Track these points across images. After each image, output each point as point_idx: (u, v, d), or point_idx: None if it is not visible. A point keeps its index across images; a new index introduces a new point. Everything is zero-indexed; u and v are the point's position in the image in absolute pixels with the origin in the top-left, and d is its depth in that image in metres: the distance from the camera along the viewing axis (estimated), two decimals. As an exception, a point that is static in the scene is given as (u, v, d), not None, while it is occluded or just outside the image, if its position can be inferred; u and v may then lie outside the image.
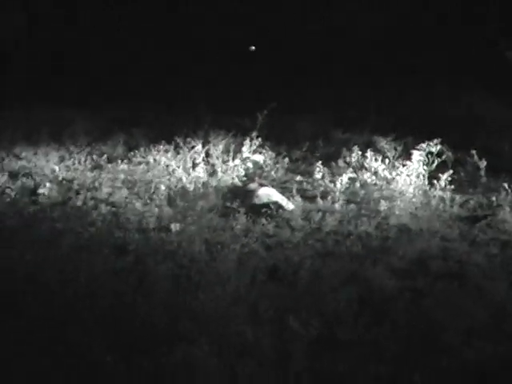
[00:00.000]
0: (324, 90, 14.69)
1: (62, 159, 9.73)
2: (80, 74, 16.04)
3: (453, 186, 8.32)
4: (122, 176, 9.15)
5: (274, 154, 9.83)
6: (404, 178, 8.36)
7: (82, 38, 17.36)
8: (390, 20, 16.61)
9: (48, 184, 8.73)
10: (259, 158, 9.39)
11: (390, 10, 16.18)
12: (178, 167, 8.92)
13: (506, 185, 8.41)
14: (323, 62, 15.96)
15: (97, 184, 8.87)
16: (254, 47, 18.25)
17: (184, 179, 8.71)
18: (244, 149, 9.24)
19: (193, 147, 9.07)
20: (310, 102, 13.59)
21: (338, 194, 8.30)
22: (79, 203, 8.20)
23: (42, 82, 13.99)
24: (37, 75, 14.96)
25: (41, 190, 8.59)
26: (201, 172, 8.85)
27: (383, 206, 7.94)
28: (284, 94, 13.10)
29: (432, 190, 8.28)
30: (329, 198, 8.27)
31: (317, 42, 16.29)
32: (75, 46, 17.16)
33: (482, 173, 9.26)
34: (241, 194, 8.35)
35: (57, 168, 9.41)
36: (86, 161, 9.60)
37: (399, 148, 9.61)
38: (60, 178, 9.13)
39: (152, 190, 8.56)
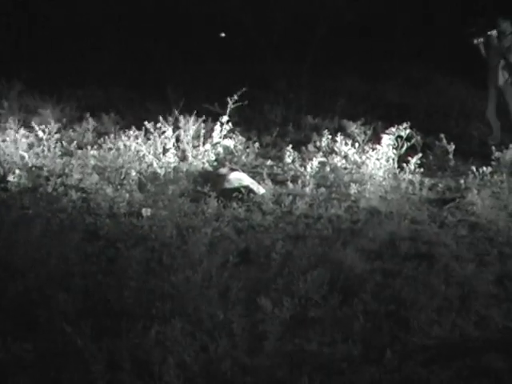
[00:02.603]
0: (294, 76, 14.76)
1: (31, 146, 9.65)
2: (50, 59, 15.94)
3: (422, 170, 8.41)
4: (92, 162, 9.11)
5: (244, 139, 9.87)
6: (374, 162, 8.44)
7: (57, 23, 17.24)
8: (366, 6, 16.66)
9: (17, 171, 8.67)
10: (230, 143, 9.40)
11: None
12: (149, 153, 8.90)
13: (473, 168, 8.53)
14: (296, 49, 15.97)
15: (67, 170, 8.84)
16: (223, 34, 18.25)
17: (155, 164, 8.71)
18: (214, 134, 9.24)
19: (163, 133, 9.04)
20: (282, 87, 13.64)
21: (308, 177, 8.35)
22: (49, 189, 8.16)
23: (11, 68, 13.85)
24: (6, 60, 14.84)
25: (10, 177, 8.53)
26: (171, 157, 8.85)
27: (353, 189, 8.02)
28: (254, 80, 13.12)
29: (401, 173, 8.37)
30: (299, 181, 8.32)
31: (294, 29, 16.26)
32: (46, 30, 17.03)
33: (451, 156, 9.40)
34: (212, 179, 8.36)
35: (26, 155, 9.34)
36: (55, 147, 9.54)
37: (369, 132, 9.69)
38: (29, 165, 9.07)
39: (122, 176, 8.54)
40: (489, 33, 10.38)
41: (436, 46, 16.48)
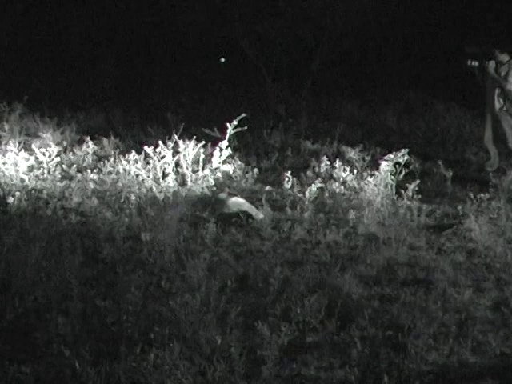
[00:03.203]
0: (294, 101, 14.85)
1: (31, 169, 9.70)
2: (51, 83, 16.01)
3: (420, 196, 8.44)
4: (91, 186, 9.15)
5: (243, 165, 9.93)
6: (372, 188, 8.46)
7: (58, 47, 17.34)
8: (367, 31, 16.72)
9: (17, 193, 8.70)
10: (229, 168, 9.42)
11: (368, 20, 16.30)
12: (148, 177, 8.93)
13: (471, 194, 8.55)
14: (295, 73, 16.06)
15: (66, 194, 8.85)
16: (223, 58, 18.35)
17: (154, 189, 8.73)
18: (214, 159, 9.25)
19: (163, 157, 9.07)
20: (280, 112, 13.71)
21: (306, 203, 8.37)
22: (49, 212, 8.17)
23: (12, 91, 13.94)
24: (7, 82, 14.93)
25: (10, 200, 8.55)
26: (171, 182, 8.87)
27: (351, 215, 8.04)
28: (254, 104, 13.22)
29: (399, 199, 8.40)
30: (298, 207, 8.33)
31: (294, 53, 16.34)
32: (47, 54, 17.12)
33: (449, 183, 9.44)
34: (211, 204, 8.39)
35: (26, 177, 9.38)
36: (55, 171, 9.59)
37: (367, 158, 9.78)
38: (29, 188, 9.10)
39: (122, 200, 8.55)
40: (486, 63, 10.47)
41: (434, 72, 16.59)
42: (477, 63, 10.50)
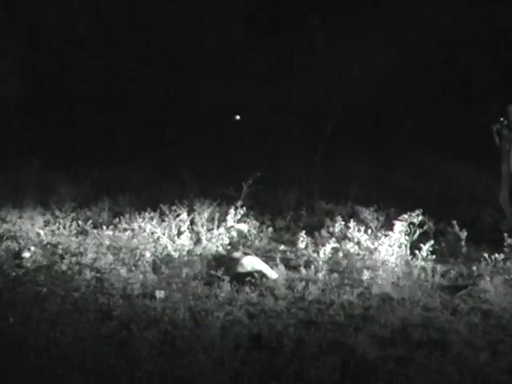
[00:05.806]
0: (308, 160, 14.95)
1: (47, 223, 9.78)
2: (69, 139, 16.22)
3: (434, 256, 8.40)
4: (107, 242, 9.20)
5: (258, 223, 9.97)
6: (386, 248, 8.45)
7: (71, 100, 17.58)
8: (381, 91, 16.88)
9: (33, 248, 8.77)
10: (243, 226, 9.45)
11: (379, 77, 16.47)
12: (163, 235, 8.96)
13: (486, 255, 8.51)
14: (310, 133, 16.21)
15: (82, 249, 8.91)
16: (238, 117, 18.54)
17: (169, 247, 8.76)
18: (229, 217, 9.27)
19: (178, 215, 9.11)
20: (295, 172, 13.80)
21: (321, 263, 8.34)
22: (64, 268, 8.22)
23: (30, 145, 14.14)
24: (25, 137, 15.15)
25: (25, 254, 8.62)
26: (186, 240, 8.88)
27: (366, 275, 8.01)
28: (269, 163, 13.31)
29: (414, 259, 8.36)
30: (312, 267, 8.31)
31: (308, 112, 16.52)
32: (64, 108, 17.35)
33: (463, 243, 9.42)
34: (225, 263, 8.40)
35: (42, 232, 9.45)
36: (71, 226, 9.66)
37: (381, 218, 9.78)
38: (45, 242, 9.17)
39: (137, 257, 8.60)
40: (501, 120, 10.46)
41: (449, 132, 16.67)
42: (496, 126, 10.49)
